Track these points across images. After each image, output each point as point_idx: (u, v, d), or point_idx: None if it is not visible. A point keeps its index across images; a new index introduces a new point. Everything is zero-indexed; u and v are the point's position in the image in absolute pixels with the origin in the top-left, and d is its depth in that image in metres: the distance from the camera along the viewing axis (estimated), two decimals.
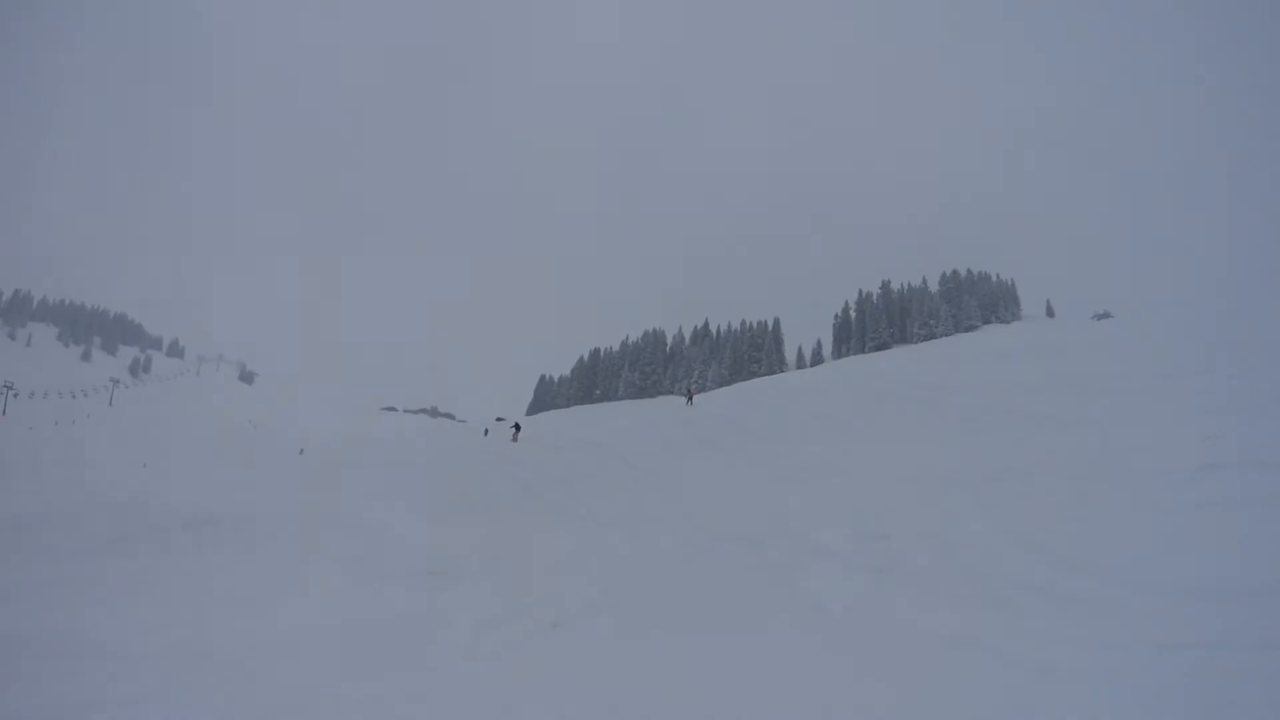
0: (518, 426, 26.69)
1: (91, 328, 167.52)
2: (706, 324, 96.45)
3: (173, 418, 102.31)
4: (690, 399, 33.43)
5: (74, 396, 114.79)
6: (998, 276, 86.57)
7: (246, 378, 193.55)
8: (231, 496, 20.39)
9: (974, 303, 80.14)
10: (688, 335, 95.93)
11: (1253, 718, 4.51)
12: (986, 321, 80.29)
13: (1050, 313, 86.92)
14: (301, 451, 43.15)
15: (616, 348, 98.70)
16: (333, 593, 10.84)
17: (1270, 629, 5.77)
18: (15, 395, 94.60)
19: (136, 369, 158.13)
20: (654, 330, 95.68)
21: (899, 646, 7.16)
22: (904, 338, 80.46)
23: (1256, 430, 12.86)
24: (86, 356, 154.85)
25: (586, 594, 10.65)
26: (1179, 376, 20.71)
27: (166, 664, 6.76)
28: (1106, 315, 71.33)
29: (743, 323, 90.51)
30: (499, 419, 67.46)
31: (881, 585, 9.45)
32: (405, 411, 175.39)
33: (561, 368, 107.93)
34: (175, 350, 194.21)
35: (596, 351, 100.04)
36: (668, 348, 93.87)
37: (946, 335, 75.03)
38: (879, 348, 78.07)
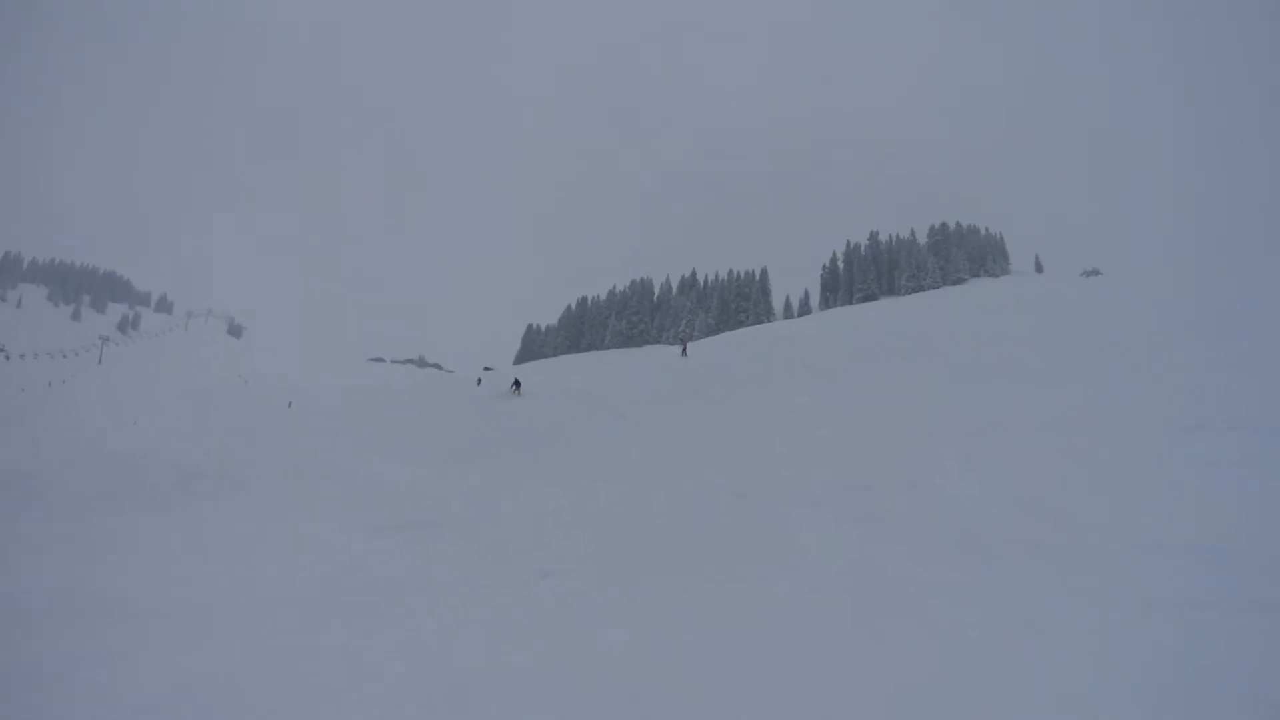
0: (518, 383, 25.92)
1: (81, 286, 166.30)
2: (694, 273, 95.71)
3: (162, 374, 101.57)
4: (684, 350, 32.68)
5: (66, 356, 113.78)
6: (986, 230, 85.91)
7: (235, 331, 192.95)
8: (222, 450, 20.20)
9: (962, 256, 79.73)
10: (675, 284, 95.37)
11: (1236, 677, 4.55)
12: (975, 275, 80.00)
13: (1039, 268, 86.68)
14: (290, 404, 42.92)
15: (604, 297, 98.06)
16: (324, 544, 10.82)
17: (1255, 591, 5.81)
18: (7, 358, 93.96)
19: (125, 326, 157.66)
20: (641, 279, 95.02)
21: (884, 596, 7.18)
22: (891, 289, 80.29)
23: (1242, 391, 12.99)
24: (76, 315, 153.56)
25: (575, 545, 10.64)
26: (1167, 335, 20.82)
27: (164, 617, 6.78)
28: (1096, 272, 71.38)
29: (730, 272, 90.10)
30: (487, 369, 67.40)
31: (867, 536, 9.51)
32: (392, 362, 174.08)
33: (549, 317, 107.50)
34: (164, 305, 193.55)
35: (584, 300, 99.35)
36: (655, 297, 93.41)
37: (934, 288, 74.98)
38: (866, 299, 78.00)
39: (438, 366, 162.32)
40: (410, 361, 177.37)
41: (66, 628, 6.29)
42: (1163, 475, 9.51)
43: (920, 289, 75.73)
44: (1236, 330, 19.22)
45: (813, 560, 9.07)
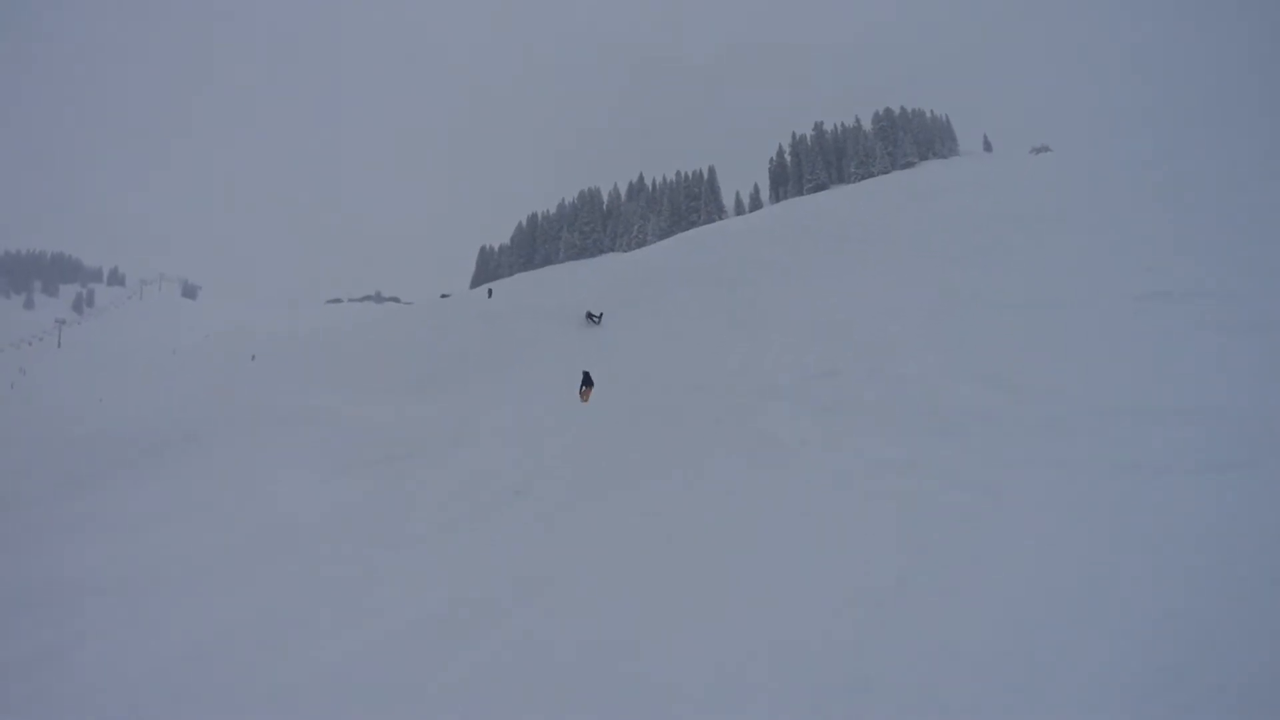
0: (590, 382, 18.28)
1: (31, 273, 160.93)
2: (641, 178, 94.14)
3: (121, 347, 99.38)
4: (592, 318, 26.61)
5: (30, 344, 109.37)
6: (932, 113, 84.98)
7: (189, 292, 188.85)
8: (188, 415, 20.01)
9: (909, 140, 79.09)
10: (624, 191, 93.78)
11: (1201, 534, 4.63)
12: (924, 158, 79.56)
13: (988, 147, 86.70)
14: (254, 357, 42.39)
15: (554, 210, 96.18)
16: (299, 490, 10.88)
17: (1218, 450, 5.96)
18: None
19: (80, 305, 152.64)
20: (590, 189, 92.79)
21: (849, 475, 7.39)
22: (841, 178, 79.61)
23: (1195, 260, 13.16)
24: (29, 304, 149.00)
25: (547, 461, 10.73)
26: (1121, 208, 20.95)
27: (143, 592, 6.67)
28: (1045, 149, 71.36)
29: (678, 173, 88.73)
30: (444, 296, 66.72)
31: (833, 420, 9.74)
32: (350, 301, 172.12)
33: (501, 236, 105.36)
34: (116, 278, 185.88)
35: (534, 216, 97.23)
36: (604, 205, 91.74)
37: (884, 174, 74.52)
38: (817, 189, 77.40)
39: (395, 300, 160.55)
40: (368, 298, 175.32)
41: (46, 616, 6.15)
42: (1122, 344, 9.72)
43: (870, 175, 75.19)
44: (1191, 202, 19.34)
45: (777, 441, 9.28)
